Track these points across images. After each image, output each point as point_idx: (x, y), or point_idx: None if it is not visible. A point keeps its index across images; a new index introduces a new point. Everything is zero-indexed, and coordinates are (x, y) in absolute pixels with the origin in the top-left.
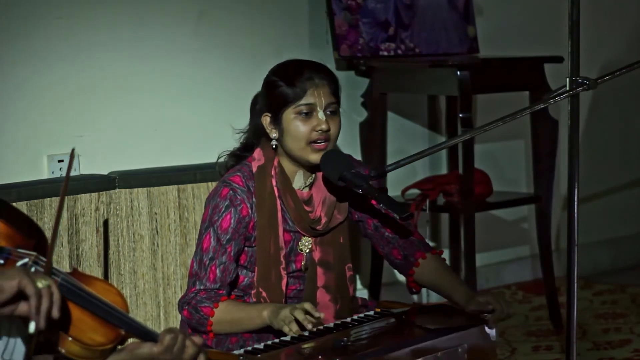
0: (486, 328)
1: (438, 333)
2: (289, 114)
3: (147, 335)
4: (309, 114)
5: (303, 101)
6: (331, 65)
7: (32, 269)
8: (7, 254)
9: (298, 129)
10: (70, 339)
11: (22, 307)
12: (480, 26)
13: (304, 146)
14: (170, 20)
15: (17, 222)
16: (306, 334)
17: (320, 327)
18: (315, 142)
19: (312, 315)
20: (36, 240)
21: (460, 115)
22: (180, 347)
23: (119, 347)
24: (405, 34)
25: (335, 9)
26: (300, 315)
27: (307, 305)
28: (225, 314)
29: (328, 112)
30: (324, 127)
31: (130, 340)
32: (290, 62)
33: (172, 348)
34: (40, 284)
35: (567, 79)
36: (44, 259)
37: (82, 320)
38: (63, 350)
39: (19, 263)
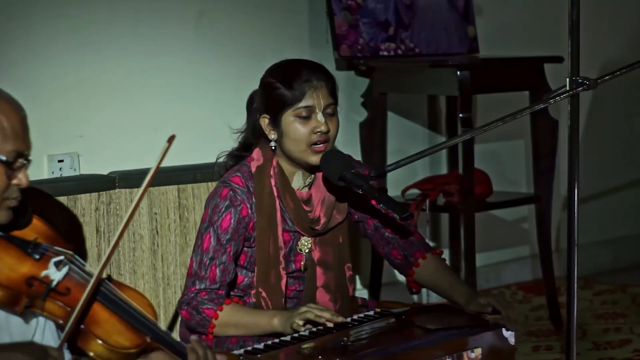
0: (504, 331)
1: (449, 334)
2: (288, 117)
3: (172, 347)
4: (308, 116)
5: (302, 103)
6: (331, 65)
7: (66, 267)
8: (43, 250)
9: (298, 131)
10: (97, 340)
11: None
12: (480, 26)
13: (304, 148)
14: (171, 20)
15: (56, 222)
16: (306, 333)
17: (320, 327)
18: (315, 144)
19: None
20: (75, 243)
21: (460, 115)
22: None
23: (143, 356)
24: (405, 34)
25: (335, 9)
26: (312, 316)
27: (326, 313)
28: (231, 318)
29: (327, 113)
30: (323, 128)
31: (155, 352)
32: (287, 63)
33: None
34: None
35: (567, 79)
36: (79, 259)
37: (109, 322)
38: (90, 352)
39: (54, 260)
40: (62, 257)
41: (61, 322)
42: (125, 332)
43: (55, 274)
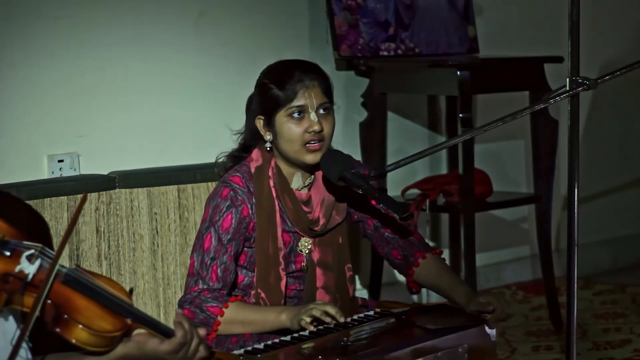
0: (486, 328)
1: (438, 333)
2: (281, 117)
3: (154, 326)
4: (301, 115)
5: (294, 103)
6: (331, 65)
7: (39, 260)
8: (13, 246)
9: (291, 131)
10: (80, 326)
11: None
12: (480, 26)
13: (298, 148)
14: (170, 20)
15: (20, 222)
16: (306, 333)
17: (321, 327)
18: (309, 143)
19: (332, 317)
20: (41, 239)
21: (460, 115)
22: (192, 351)
23: (126, 338)
24: (405, 34)
25: (335, 9)
26: (318, 313)
27: (332, 310)
28: (237, 315)
29: (320, 112)
30: (316, 128)
31: (137, 331)
32: (280, 64)
33: (180, 349)
34: None
35: (567, 79)
36: (50, 251)
37: (89, 309)
38: (73, 340)
39: (26, 254)
40: (33, 251)
41: (39, 315)
42: (106, 317)
43: (29, 268)
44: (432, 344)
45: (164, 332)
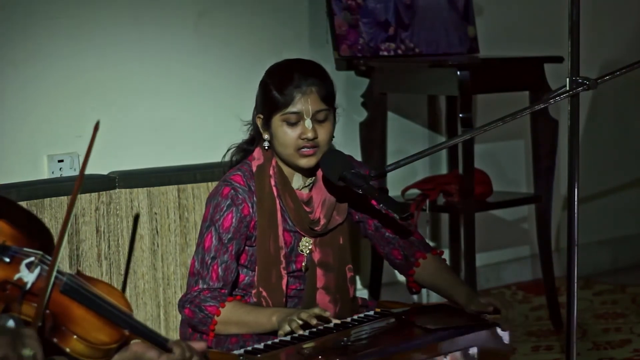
0: (498, 330)
1: (447, 333)
2: (277, 120)
3: (151, 338)
4: (296, 121)
5: (290, 109)
6: (331, 65)
7: (38, 268)
8: (13, 252)
9: (285, 136)
10: (75, 337)
11: None
12: (480, 26)
13: (292, 152)
14: (170, 20)
15: (22, 223)
16: (306, 333)
17: (321, 327)
18: (302, 148)
19: (322, 318)
20: (41, 241)
21: (460, 115)
22: None
23: (124, 348)
24: (405, 34)
25: (335, 9)
26: (304, 316)
27: (317, 310)
28: (232, 315)
29: (316, 119)
30: (309, 135)
31: (134, 341)
32: (283, 65)
33: None
34: (25, 354)
35: (567, 79)
36: (49, 257)
37: (86, 319)
38: (68, 349)
39: (25, 261)
40: (32, 258)
41: (40, 324)
42: (103, 328)
43: (28, 276)
44: (442, 345)
45: (162, 345)
